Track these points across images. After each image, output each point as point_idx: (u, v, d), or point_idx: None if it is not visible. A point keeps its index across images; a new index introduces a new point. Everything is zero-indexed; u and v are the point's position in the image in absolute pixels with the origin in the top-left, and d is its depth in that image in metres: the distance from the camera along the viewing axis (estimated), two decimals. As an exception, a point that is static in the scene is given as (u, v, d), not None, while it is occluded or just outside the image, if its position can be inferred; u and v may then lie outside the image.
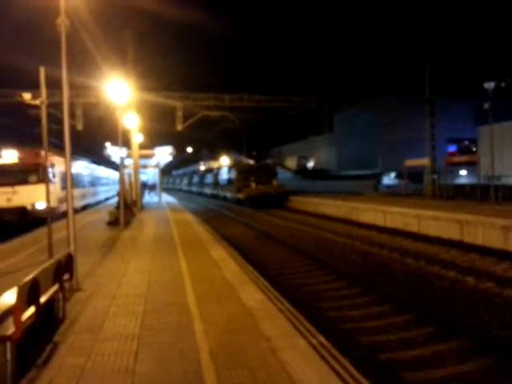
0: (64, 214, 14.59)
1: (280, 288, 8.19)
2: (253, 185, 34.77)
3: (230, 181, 40.81)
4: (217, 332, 4.89)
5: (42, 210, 17.16)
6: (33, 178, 18.32)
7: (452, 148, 45.95)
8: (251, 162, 65.08)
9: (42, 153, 16.99)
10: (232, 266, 8.61)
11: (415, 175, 33.26)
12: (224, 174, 43.93)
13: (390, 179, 45.52)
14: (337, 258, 12.84)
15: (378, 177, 43.82)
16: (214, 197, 47.65)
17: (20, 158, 18.73)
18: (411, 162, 31.68)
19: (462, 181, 37.17)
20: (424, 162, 30.31)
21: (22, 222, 17.25)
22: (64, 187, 16.93)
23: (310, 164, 57.02)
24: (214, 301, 6.12)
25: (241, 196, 35.38)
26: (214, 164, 73.50)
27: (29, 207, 17.90)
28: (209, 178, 52.88)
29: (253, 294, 6.44)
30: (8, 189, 17.94)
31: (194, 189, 65.64)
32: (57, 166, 19.52)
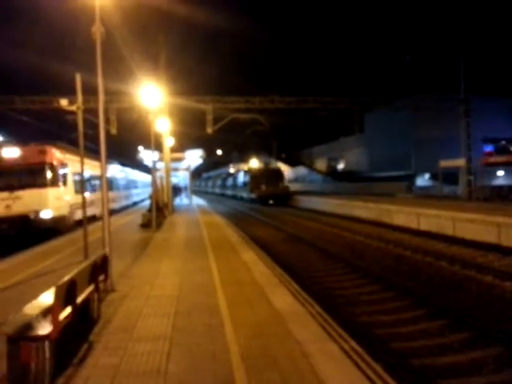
0: (79, 223, 13.66)
1: (310, 291, 8.13)
2: (263, 186, 41.77)
3: (245, 183, 48.09)
4: (247, 334, 4.89)
5: (47, 220, 15.11)
6: (38, 180, 15.59)
7: (489, 148, 44.33)
8: (281, 165, 65.39)
9: (49, 149, 15.74)
10: (262, 269, 8.61)
11: (450, 176, 32.31)
12: (240, 178, 51.70)
13: (424, 180, 44.39)
14: (367, 261, 12.65)
15: (411, 178, 42.81)
16: (233, 197, 54.27)
17: (22, 157, 15.77)
18: (446, 163, 30.80)
19: (499, 182, 35.85)
20: (459, 162, 29.40)
21: (23, 233, 14.48)
22: (79, 191, 16.08)
23: (341, 166, 56.35)
24: (244, 303, 6.14)
25: (253, 196, 43.00)
26: (243, 166, 75.27)
27: (32, 216, 14.97)
28: (229, 181, 61.16)
29: (283, 297, 6.42)
30: (7, 194, 14.99)
31: (217, 191, 71.89)
32: (70, 165, 17.33)
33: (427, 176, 43.99)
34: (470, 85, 29.58)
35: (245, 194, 47.82)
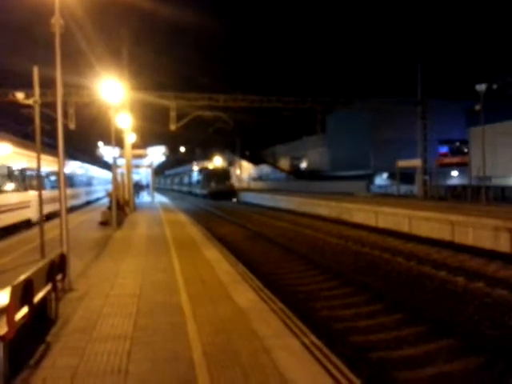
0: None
1: (272, 288, 8.23)
2: (213, 184, 49.39)
3: (198, 181, 55.91)
4: (210, 332, 4.91)
5: None
6: None
7: (444, 149, 46.31)
8: (245, 163, 65.87)
9: None
10: (225, 266, 8.63)
11: (407, 176, 33.52)
12: (195, 177, 59.48)
13: (382, 180, 45.82)
14: (327, 257, 12.93)
15: (370, 177, 44.07)
16: (189, 193, 61.17)
17: None
18: (403, 163, 31.93)
19: (453, 182, 37.50)
20: (416, 162, 30.55)
21: None
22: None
23: (303, 164, 57.15)
24: (206, 301, 6.14)
25: (205, 192, 50.86)
26: (207, 164, 75.90)
27: None
28: (185, 180, 68.67)
29: (246, 294, 6.47)
30: None
31: (176, 188, 78.28)
32: None
33: (385, 175, 45.46)
34: (427, 88, 30.84)
35: (198, 191, 55.38)
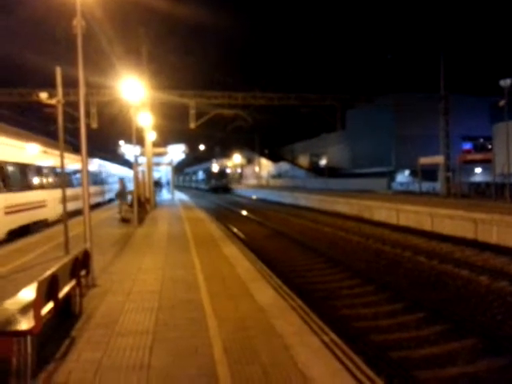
0: (16, 234, 12.32)
1: (292, 285, 8.23)
2: (213, 181, 69.26)
3: (203, 179, 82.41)
4: (230, 328, 4.94)
5: None
6: None
7: (467, 145, 45.29)
8: (264, 160, 66.62)
9: None
10: (244, 263, 8.66)
11: (429, 173, 32.91)
12: (200, 176, 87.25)
13: (403, 177, 45.14)
14: (348, 255, 12.85)
15: (391, 175, 43.47)
16: (197, 189, 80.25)
17: None
18: (425, 160, 31.33)
19: (476, 179, 36.68)
20: (438, 159, 29.96)
21: None
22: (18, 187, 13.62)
23: (323, 162, 56.79)
24: (226, 298, 6.18)
25: (207, 187, 70.48)
26: (226, 162, 78.23)
27: None
28: (194, 178, 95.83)
29: (265, 292, 6.47)
30: None
31: (188, 184, 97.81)
32: None
33: (407, 173, 44.77)
34: (450, 83, 30.18)
35: (202, 186, 77.99)
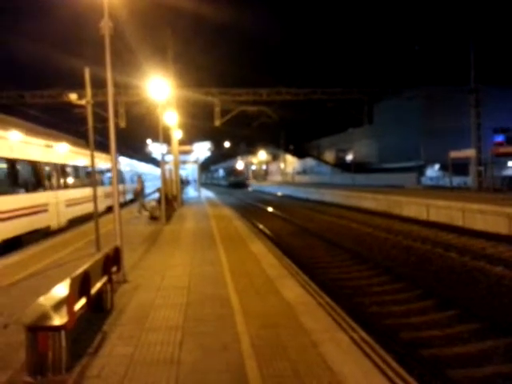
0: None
1: (319, 282, 8.18)
2: (231, 178, 78.95)
3: (223, 176, 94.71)
4: (257, 325, 4.95)
5: None
6: None
7: (499, 138, 43.68)
8: (289, 157, 66.87)
9: None
10: (270, 260, 8.67)
11: (460, 167, 32.00)
12: (221, 173, 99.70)
13: (433, 171, 44.06)
14: (376, 252, 12.66)
15: (420, 169, 42.53)
16: (218, 185, 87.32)
17: None
18: (456, 154, 30.48)
19: (509, 172, 35.46)
20: (469, 153, 29.12)
21: None
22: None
23: (349, 157, 56.13)
24: (253, 294, 6.20)
25: (226, 183, 79.95)
26: (251, 159, 79.55)
27: None
28: (216, 175, 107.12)
29: (292, 288, 6.46)
30: None
31: (209, 181, 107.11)
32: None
33: (437, 167, 43.64)
34: (481, 74, 29.25)
35: (222, 183, 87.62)
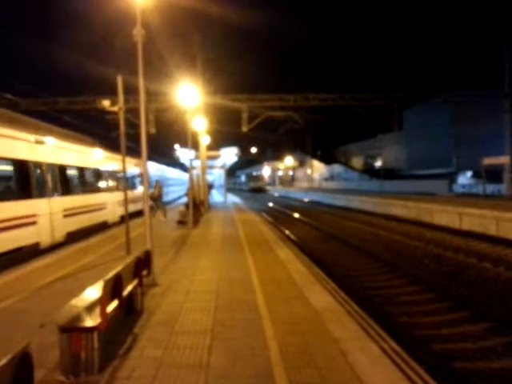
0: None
1: (347, 290, 8.08)
2: (251, 183, 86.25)
3: (244, 181, 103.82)
4: (285, 331, 4.93)
5: None
6: None
7: (535, 144, 42.18)
8: (316, 162, 66.63)
9: None
10: (298, 266, 8.62)
11: (494, 174, 31.02)
12: (243, 178, 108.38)
13: (465, 179, 42.88)
14: (406, 261, 12.40)
15: (452, 176, 41.48)
16: (240, 190, 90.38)
17: None
18: (489, 161, 29.58)
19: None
20: (504, 160, 28.20)
21: None
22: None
23: (378, 163, 55.37)
24: (281, 300, 6.17)
25: (247, 188, 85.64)
26: (277, 164, 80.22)
27: None
28: (239, 180, 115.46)
29: (320, 295, 6.41)
30: None
31: (232, 186, 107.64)
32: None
33: (469, 174, 42.46)
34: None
35: (244, 187, 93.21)
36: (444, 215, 20.04)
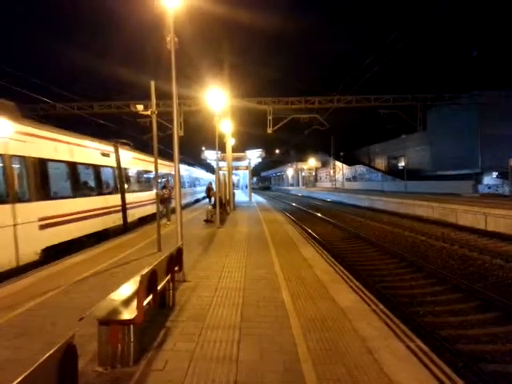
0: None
1: (372, 289, 8.12)
2: (260, 183, 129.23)
3: (256, 182, 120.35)
4: (312, 328, 5.02)
5: None
6: None
7: None
8: (339, 163, 66.10)
9: None
10: (322, 265, 8.67)
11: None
12: (254, 179, 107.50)
13: (491, 179, 41.87)
14: (431, 261, 12.29)
15: (477, 177, 40.58)
16: (253, 189, 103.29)
17: None
18: (516, 161, 28.86)
19: None
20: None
21: None
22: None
23: (402, 163, 54.61)
24: (307, 298, 6.26)
25: (257, 187, 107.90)
26: (301, 165, 79.98)
27: None
28: (253, 181, 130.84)
29: (346, 294, 6.46)
30: None
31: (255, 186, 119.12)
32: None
33: (495, 174, 41.43)
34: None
35: (255, 187, 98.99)
36: (469, 216, 19.70)
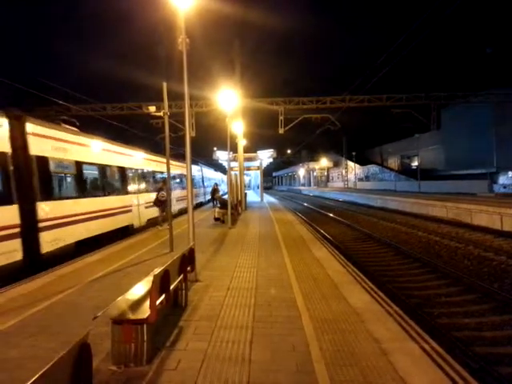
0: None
1: (386, 290, 8.04)
2: (264, 183, 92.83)
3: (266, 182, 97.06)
4: (324, 329, 4.99)
5: None
6: None
7: None
8: (351, 163, 65.62)
9: None
10: (335, 265, 8.62)
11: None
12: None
13: (507, 179, 41.22)
14: (445, 261, 12.14)
15: (492, 176, 39.98)
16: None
17: None
18: (534, 160, 28.38)
19: None
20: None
21: None
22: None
23: (415, 163, 54.09)
24: (319, 298, 6.23)
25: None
26: (313, 165, 79.89)
27: None
28: (265, 182, 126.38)
29: (358, 295, 6.41)
30: None
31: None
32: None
33: (511, 174, 40.78)
34: None
35: (265, 185, 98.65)
36: (484, 216, 19.42)
